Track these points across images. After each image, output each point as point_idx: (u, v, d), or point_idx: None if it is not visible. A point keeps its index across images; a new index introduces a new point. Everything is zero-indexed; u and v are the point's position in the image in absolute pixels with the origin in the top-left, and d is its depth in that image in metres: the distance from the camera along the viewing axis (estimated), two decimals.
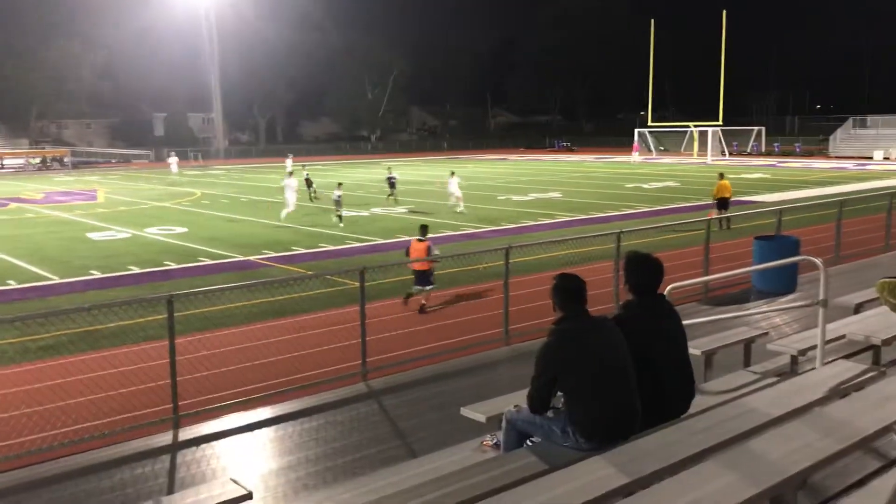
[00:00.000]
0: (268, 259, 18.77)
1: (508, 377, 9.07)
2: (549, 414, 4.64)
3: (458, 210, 26.88)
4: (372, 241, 21.49)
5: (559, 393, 4.60)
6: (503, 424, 4.99)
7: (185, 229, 24.41)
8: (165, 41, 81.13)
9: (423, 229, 13.62)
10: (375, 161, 66.59)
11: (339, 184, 26.71)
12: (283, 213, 26.04)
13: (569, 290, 4.58)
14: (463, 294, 13.88)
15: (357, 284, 9.23)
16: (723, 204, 22.43)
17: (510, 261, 10.61)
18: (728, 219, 21.62)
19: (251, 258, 18.93)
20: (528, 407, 4.67)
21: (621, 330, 4.64)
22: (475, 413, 5.58)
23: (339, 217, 24.85)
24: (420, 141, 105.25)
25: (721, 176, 23.09)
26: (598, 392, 4.38)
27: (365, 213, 27.96)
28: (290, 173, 28.92)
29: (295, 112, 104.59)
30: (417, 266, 12.71)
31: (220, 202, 33.55)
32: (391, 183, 31.25)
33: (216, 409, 8.11)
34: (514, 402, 5.11)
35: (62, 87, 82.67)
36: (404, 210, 28.85)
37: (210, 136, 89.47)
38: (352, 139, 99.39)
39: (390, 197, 31.09)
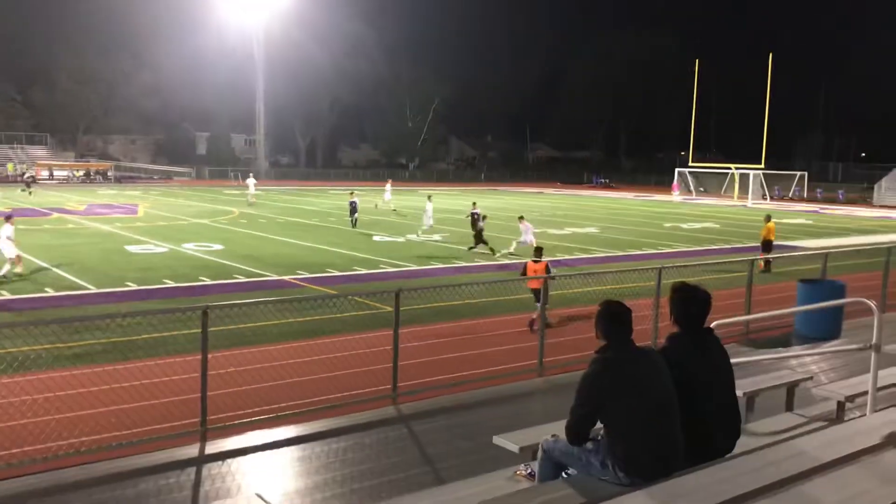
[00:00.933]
0: (302, 279, 18.78)
1: (542, 408, 8.88)
2: (588, 446, 4.47)
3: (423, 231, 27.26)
4: (406, 266, 21.44)
5: (599, 424, 4.43)
6: (539, 454, 4.81)
7: (221, 246, 24.58)
8: (213, 62, 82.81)
9: (539, 251, 14.24)
10: (412, 189, 66.83)
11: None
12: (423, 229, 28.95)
13: (614, 317, 4.42)
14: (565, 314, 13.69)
15: (390, 308, 9.11)
16: (767, 247, 22.14)
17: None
18: (769, 261, 21.24)
19: (286, 278, 18.96)
20: (567, 437, 4.51)
21: (667, 362, 4.47)
22: (508, 442, 5.42)
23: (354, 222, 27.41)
24: (458, 171, 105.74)
25: (768, 218, 22.84)
26: (640, 425, 4.20)
27: (400, 240, 27.95)
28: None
29: (336, 137, 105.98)
30: (534, 285, 13.13)
31: (258, 222, 33.82)
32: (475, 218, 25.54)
33: (244, 424, 8.02)
34: (550, 431, 4.94)
35: (110, 104, 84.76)
36: (439, 238, 28.79)
37: (251, 157, 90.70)
38: (390, 166, 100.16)
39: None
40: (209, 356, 7.83)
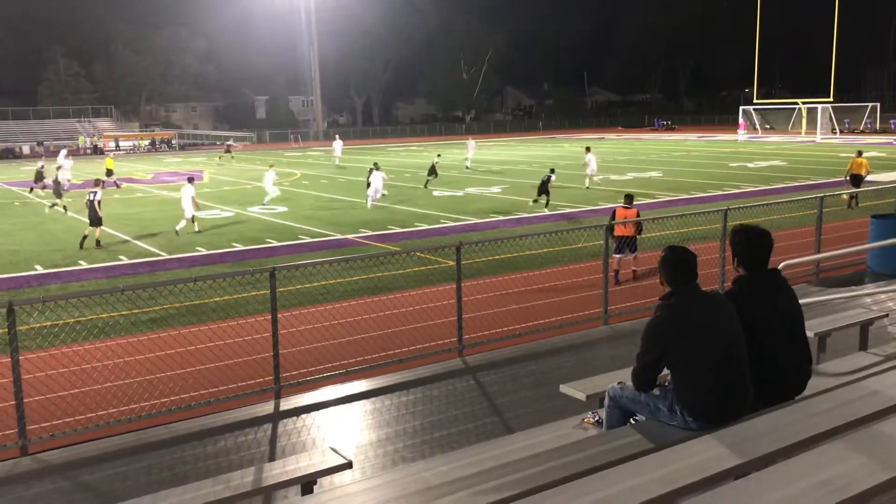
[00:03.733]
0: (365, 238, 18.99)
1: (607, 357, 8.87)
2: (656, 392, 4.46)
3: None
4: (467, 220, 21.46)
5: (666, 371, 4.42)
6: (606, 401, 4.83)
7: (285, 208, 24.96)
8: (266, 26, 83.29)
9: (629, 198, 13.89)
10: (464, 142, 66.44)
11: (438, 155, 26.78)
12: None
13: (678, 263, 4.36)
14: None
15: (453, 263, 9.16)
16: (856, 181, 21.64)
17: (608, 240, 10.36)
18: (855, 196, 20.66)
19: (349, 236, 19.19)
20: (634, 384, 4.51)
21: (734, 305, 4.41)
22: (575, 391, 5.44)
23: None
24: (515, 121, 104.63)
25: (859, 153, 22.35)
26: (708, 370, 4.17)
27: (459, 193, 27.94)
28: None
29: (391, 93, 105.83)
30: (621, 232, 12.87)
31: (320, 182, 34.19)
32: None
33: (315, 380, 8.22)
34: (616, 379, 4.94)
35: (170, 72, 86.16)
36: (498, 189, 28.69)
37: (309, 119, 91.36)
38: (447, 120, 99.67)
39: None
40: (279, 316, 8.02)
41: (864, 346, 7.11)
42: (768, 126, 69.39)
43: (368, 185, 24.61)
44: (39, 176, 30.49)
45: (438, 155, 33.25)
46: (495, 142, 65.31)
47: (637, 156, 44.95)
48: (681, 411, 4.26)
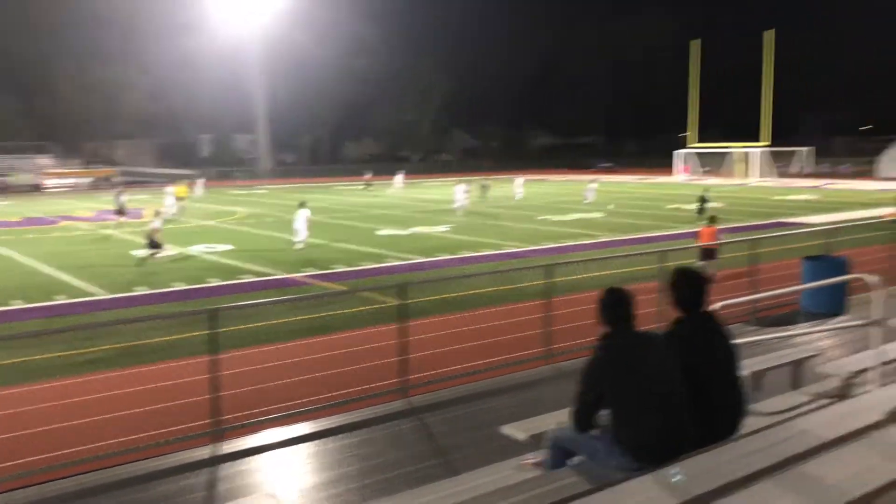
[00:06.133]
0: (310, 277, 18.87)
1: (550, 396, 8.93)
2: (595, 432, 4.53)
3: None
4: (413, 258, 21.51)
5: (605, 410, 4.50)
6: (546, 443, 4.88)
7: (229, 247, 24.69)
8: (214, 64, 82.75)
9: (713, 220, 18.49)
10: (416, 181, 66.81)
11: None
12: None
13: (616, 303, 4.48)
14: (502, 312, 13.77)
15: (397, 302, 9.17)
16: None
17: (552, 279, 10.49)
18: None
19: (293, 276, 19.06)
20: (573, 425, 4.57)
21: (671, 345, 4.52)
22: (516, 431, 5.49)
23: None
24: (461, 161, 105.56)
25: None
26: (646, 410, 4.26)
27: (405, 232, 28.01)
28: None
29: (339, 132, 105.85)
30: (705, 245, 16.70)
31: (265, 221, 33.93)
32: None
33: (256, 423, 8.10)
34: (557, 419, 5.01)
35: (113, 109, 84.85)
36: (445, 228, 28.85)
37: (255, 157, 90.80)
38: (394, 159, 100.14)
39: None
40: (222, 356, 7.91)
41: (796, 385, 7.32)
42: (706, 168, 71.37)
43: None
44: None
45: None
46: (442, 181, 65.78)
47: (579, 196, 45.71)
48: (619, 452, 4.33)
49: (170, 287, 17.70)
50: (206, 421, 7.92)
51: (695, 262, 15.95)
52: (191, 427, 8.07)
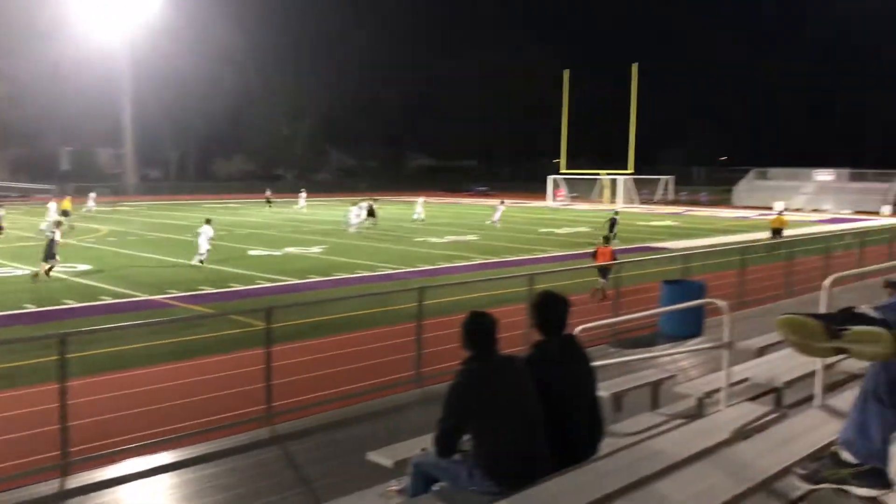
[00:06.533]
0: (174, 299, 18.16)
1: (419, 420, 8.87)
2: (457, 457, 4.52)
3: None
4: (285, 280, 21.09)
5: (467, 435, 4.49)
6: (409, 469, 4.83)
7: (88, 266, 23.45)
8: (76, 73, 78.77)
9: (607, 240, 20.66)
10: (291, 200, 65.78)
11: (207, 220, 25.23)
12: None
13: (478, 329, 4.50)
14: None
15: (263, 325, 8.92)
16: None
17: (424, 302, 10.50)
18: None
19: (156, 297, 18.28)
20: (435, 450, 4.55)
21: (531, 369, 4.58)
22: (382, 457, 5.41)
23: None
24: (337, 181, 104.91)
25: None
26: (505, 434, 4.29)
27: (278, 253, 27.47)
28: None
29: (209, 149, 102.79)
30: (601, 262, 18.04)
31: (127, 239, 32.45)
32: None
33: (112, 454, 7.66)
34: (422, 445, 4.97)
35: None
36: (319, 249, 28.50)
37: (120, 172, 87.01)
38: (267, 178, 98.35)
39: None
40: (75, 383, 7.45)
41: (655, 405, 7.58)
42: (575, 194, 73.91)
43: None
44: None
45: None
46: (318, 201, 65.08)
47: (455, 220, 46.34)
48: (480, 476, 4.34)
49: (21, 309, 16.60)
50: (56, 452, 7.43)
51: (596, 280, 18.13)
52: (39, 459, 7.53)
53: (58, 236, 21.18)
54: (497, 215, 42.63)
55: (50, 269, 20.76)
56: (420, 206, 46.38)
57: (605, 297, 17.12)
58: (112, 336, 9.80)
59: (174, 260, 25.18)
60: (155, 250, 28.03)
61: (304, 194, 58.67)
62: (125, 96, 77.54)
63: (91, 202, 52.30)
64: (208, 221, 24.84)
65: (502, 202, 45.94)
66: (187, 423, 8.65)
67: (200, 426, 8.48)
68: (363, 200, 41.18)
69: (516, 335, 11.14)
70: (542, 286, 11.36)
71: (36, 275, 20.64)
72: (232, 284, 20.29)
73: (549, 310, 4.86)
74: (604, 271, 17.80)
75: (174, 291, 19.01)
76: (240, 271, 22.72)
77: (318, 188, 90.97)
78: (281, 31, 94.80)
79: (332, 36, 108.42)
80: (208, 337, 12.72)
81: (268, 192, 62.63)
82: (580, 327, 7.14)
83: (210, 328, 13.24)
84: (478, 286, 15.64)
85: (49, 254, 20.63)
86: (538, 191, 77.93)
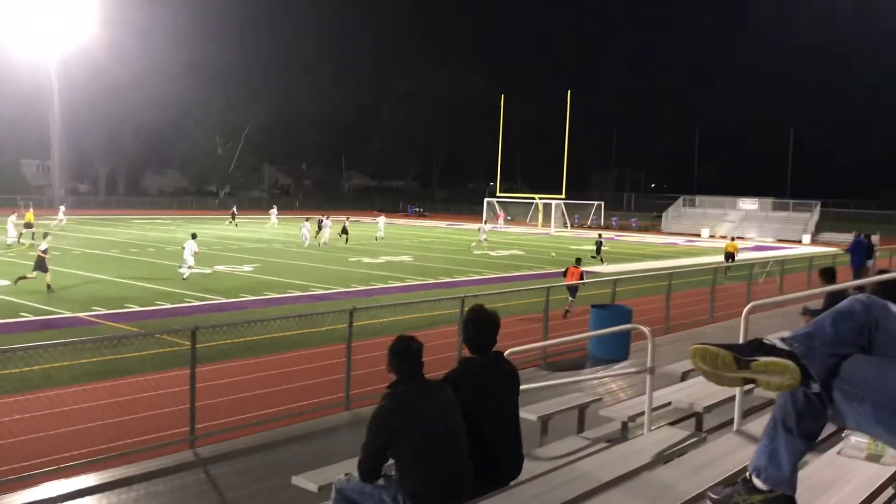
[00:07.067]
0: (98, 316, 17.63)
1: (348, 444, 8.81)
2: (380, 482, 4.50)
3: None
4: (215, 299, 20.70)
5: (391, 460, 4.48)
6: (332, 494, 4.78)
7: (5, 282, 22.60)
8: (2, 83, 76.19)
9: (578, 261, 20.92)
10: (223, 217, 64.76)
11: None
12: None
13: (404, 352, 4.51)
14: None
15: (189, 345, 8.74)
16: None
17: (355, 323, 10.45)
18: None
19: (80, 315, 17.73)
20: (359, 474, 4.52)
21: (453, 389, 4.59)
22: (307, 481, 5.34)
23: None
24: (272, 199, 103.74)
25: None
26: (428, 458, 4.29)
27: (207, 271, 26.97)
28: None
29: (140, 163, 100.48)
30: (568, 282, 19.21)
31: (51, 254, 31.34)
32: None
33: (27, 477, 7.37)
34: (347, 469, 4.93)
35: None
36: (250, 268, 28.09)
37: (46, 185, 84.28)
38: (199, 194, 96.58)
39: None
40: None
41: (581, 428, 7.68)
42: (510, 218, 74.65)
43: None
44: None
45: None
46: (252, 219, 64.20)
47: (390, 240, 46.24)
48: (403, 501, 4.32)
49: None
50: None
51: (567, 298, 19.11)
52: None
53: (44, 246, 21.85)
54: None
55: (25, 279, 21.26)
56: (382, 225, 49.04)
57: (567, 314, 18.64)
58: (29, 355, 9.45)
59: (100, 277, 24.49)
60: (80, 266, 27.20)
61: (275, 211, 58.29)
62: (53, 109, 75.22)
63: (61, 214, 51.53)
64: (194, 236, 26.03)
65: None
66: (109, 444, 8.39)
67: (122, 448, 8.24)
68: (322, 217, 43.52)
69: (449, 357, 11.16)
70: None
71: (49, 286, 20.87)
72: (160, 302, 19.82)
73: (479, 324, 4.87)
74: (572, 290, 19.14)
75: (99, 309, 18.47)
76: (169, 289, 22.21)
77: (252, 205, 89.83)
78: (218, 46, 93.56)
79: (271, 53, 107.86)
80: (133, 356, 12.38)
81: (233, 209, 62.36)
82: (508, 351, 7.18)
83: (135, 347, 12.89)
84: (411, 307, 15.64)
85: (44, 266, 21.19)
86: (473, 213, 78.50)
